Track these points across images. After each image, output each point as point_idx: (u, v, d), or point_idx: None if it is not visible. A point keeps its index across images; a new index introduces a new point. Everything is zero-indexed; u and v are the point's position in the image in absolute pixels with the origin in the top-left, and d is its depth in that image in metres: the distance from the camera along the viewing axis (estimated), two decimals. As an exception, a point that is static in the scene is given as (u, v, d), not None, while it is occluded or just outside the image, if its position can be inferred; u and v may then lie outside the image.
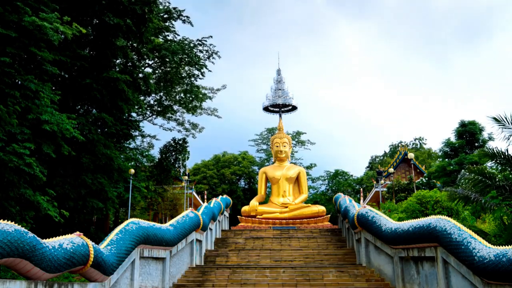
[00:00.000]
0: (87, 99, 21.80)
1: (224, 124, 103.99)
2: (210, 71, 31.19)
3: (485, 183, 11.83)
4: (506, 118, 11.51)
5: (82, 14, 20.87)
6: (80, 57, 19.64)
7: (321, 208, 28.57)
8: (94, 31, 21.89)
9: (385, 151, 61.79)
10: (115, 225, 24.85)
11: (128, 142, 26.89)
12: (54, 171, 18.45)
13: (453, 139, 30.16)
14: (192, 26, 30.01)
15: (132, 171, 23.41)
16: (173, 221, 15.57)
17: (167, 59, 28.00)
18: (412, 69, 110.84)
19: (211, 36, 30.99)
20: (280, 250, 19.88)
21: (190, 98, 32.74)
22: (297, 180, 31.02)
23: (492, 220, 14.31)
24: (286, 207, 29.14)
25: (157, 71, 30.86)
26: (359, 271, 15.49)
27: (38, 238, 7.71)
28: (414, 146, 60.41)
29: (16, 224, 7.28)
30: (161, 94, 32.36)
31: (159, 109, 33.35)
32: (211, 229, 20.73)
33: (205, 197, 28.54)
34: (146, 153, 30.38)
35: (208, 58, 31.15)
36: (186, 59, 29.33)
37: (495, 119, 11.67)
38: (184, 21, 29.52)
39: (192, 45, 30.16)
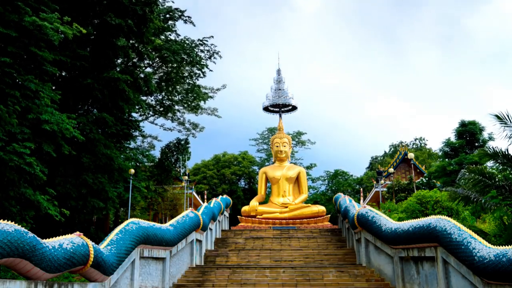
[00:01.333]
0: (88, 99, 21.80)
1: (225, 124, 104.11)
2: (211, 70, 31.24)
3: (485, 183, 11.81)
4: (508, 116, 11.36)
5: (82, 14, 20.87)
6: (81, 57, 19.63)
7: (321, 208, 28.58)
8: (94, 31, 21.89)
9: (385, 151, 61.82)
10: (115, 225, 24.85)
11: (128, 142, 26.89)
12: (55, 171, 18.46)
13: (453, 139, 30.16)
14: (194, 26, 30.14)
15: (132, 171, 23.41)
16: (173, 221, 15.58)
17: (168, 59, 28.03)
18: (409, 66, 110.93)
19: (212, 36, 31.01)
20: (280, 250, 19.89)
21: (192, 98, 32.78)
22: (297, 180, 31.02)
23: (492, 220, 14.33)
24: (286, 207, 29.14)
25: (158, 71, 30.88)
26: (359, 271, 15.49)
27: (38, 238, 7.71)
28: (414, 146, 60.42)
29: (16, 224, 7.28)
30: (162, 94, 32.38)
31: (160, 109, 33.37)
32: (211, 229, 20.73)
33: (205, 197, 28.54)
34: (147, 153, 30.37)
35: (209, 58, 31.16)
36: (187, 59, 29.36)
37: (497, 116, 11.50)
38: (185, 21, 29.61)
39: (193, 45, 30.19)
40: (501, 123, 11.56)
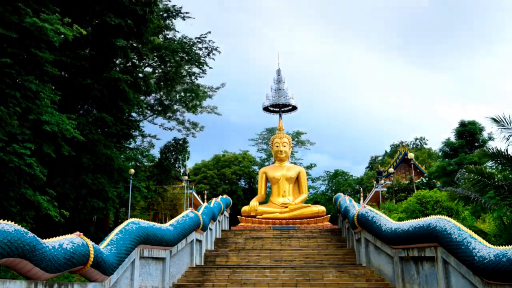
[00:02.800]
0: (87, 99, 21.82)
1: (224, 124, 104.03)
2: (210, 68, 31.02)
3: (484, 183, 11.80)
4: (505, 119, 11.46)
5: (82, 14, 20.89)
6: (81, 57, 19.66)
7: (321, 208, 28.58)
8: (94, 31, 21.90)
9: (385, 151, 61.83)
10: (115, 225, 24.85)
11: (128, 142, 26.90)
12: (55, 171, 18.48)
13: (453, 139, 30.16)
14: (194, 18, 29.99)
15: (132, 171, 23.43)
16: (173, 221, 15.59)
17: (167, 59, 27.99)
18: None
19: (210, 32, 30.34)
20: (280, 250, 19.89)
21: (191, 97, 32.74)
22: (297, 180, 31.03)
23: (492, 220, 14.32)
24: (286, 207, 29.13)
25: (157, 71, 30.84)
26: (359, 271, 15.50)
27: (38, 238, 7.72)
28: (414, 146, 60.44)
29: (16, 224, 7.29)
30: (162, 93, 32.36)
31: (159, 108, 33.36)
32: (211, 229, 20.74)
33: (205, 197, 28.54)
34: (146, 153, 30.37)
35: (208, 54, 30.88)
36: (186, 57, 29.28)
37: (494, 119, 11.61)
38: (183, 18, 29.38)
39: (191, 43, 30.04)
40: (498, 126, 11.63)
